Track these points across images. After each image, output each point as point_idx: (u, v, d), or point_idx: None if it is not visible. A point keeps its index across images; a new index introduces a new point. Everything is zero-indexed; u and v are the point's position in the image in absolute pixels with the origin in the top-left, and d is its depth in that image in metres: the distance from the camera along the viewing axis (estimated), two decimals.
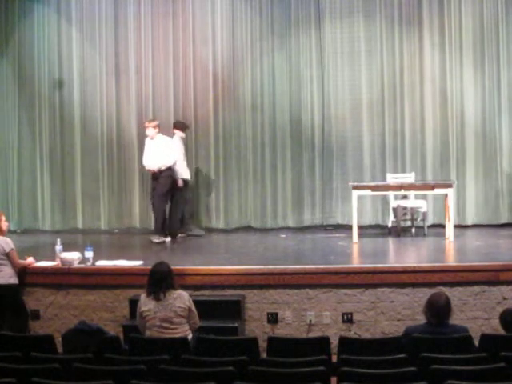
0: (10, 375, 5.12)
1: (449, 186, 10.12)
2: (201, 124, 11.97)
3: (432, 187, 10.25)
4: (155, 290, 6.46)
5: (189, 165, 11.67)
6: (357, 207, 10.06)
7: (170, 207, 10.85)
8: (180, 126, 11.21)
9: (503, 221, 11.43)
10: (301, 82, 11.81)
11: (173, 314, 6.41)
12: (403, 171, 11.43)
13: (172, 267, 6.69)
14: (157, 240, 10.39)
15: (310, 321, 7.97)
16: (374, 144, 11.75)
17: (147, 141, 10.85)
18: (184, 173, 10.96)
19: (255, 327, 7.99)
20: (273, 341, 6.29)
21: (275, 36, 11.85)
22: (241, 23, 11.94)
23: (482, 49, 11.46)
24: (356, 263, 9.09)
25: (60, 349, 6.50)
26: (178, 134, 11.09)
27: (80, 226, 12.16)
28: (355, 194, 10.04)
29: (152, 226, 11.13)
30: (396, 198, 10.90)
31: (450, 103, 11.53)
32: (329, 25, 11.71)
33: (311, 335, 7.78)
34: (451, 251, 9.51)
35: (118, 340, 6.44)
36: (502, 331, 6.14)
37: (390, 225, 10.93)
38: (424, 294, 7.25)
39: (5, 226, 8.18)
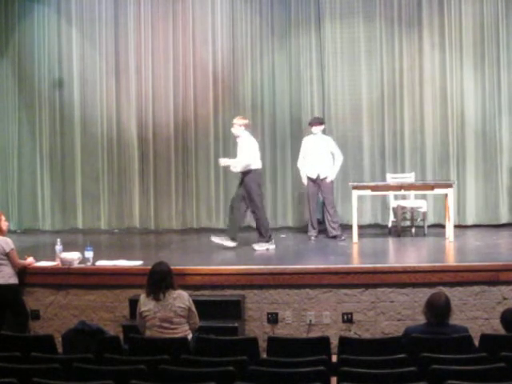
0: (10, 375, 5.11)
1: (449, 185, 10.12)
2: (201, 124, 11.98)
3: (432, 187, 10.25)
4: (155, 290, 6.45)
5: (189, 164, 11.74)
6: (357, 207, 10.07)
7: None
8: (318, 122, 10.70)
9: (503, 221, 11.44)
10: (301, 82, 11.82)
11: (172, 314, 6.41)
12: (403, 171, 11.43)
13: (172, 267, 6.68)
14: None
15: (310, 321, 7.98)
16: (373, 144, 11.76)
17: (249, 138, 9.82)
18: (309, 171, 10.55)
19: (255, 327, 8.00)
20: (273, 341, 6.28)
21: (275, 36, 11.86)
22: (241, 23, 11.95)
23: (482, 49, 11.46)
24: (356, 263, 9.09)
25: (60, 349, 6.51)
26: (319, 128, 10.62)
27: (80, 226, 12.17)
28: (355, 193, 10.04)
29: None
30: (396, 198, 10.90)
31: (450, 103, 11.54)
32: (329, 25, 11.72)
33: (311, 335, 7.78)
34: (451, 251, 9.51)
35: (118, 340, 6.44)
36: (502, 331, 6.13)
37: (389, 225, 10.93)
38: (424, 294, 7.26)
39: (5, 225, 8.18)
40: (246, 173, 9.57)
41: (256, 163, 9.62)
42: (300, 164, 10.65)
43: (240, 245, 9.63)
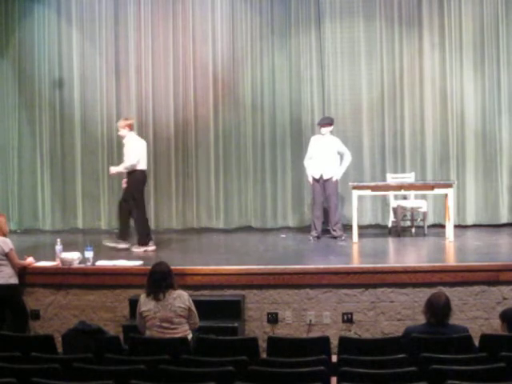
0: (10, 375, 5.11)
1: (449, 186, 10.13)
2: (201, 123, 11.98)
3: (432, 187, 10.25)
4: (155, 290, 6.45)
5: (189, 164, 11.78)
6: (357, 207, 10.07)
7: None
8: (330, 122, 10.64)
9: (503, 221, 11.44)
10: (301, 81, 11.82)
11: (173, 314, 6.40)
12: (403, 171, 11.44)
13: (172, 267, 6.68)
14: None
15: (310, 321, 7.97)
16: (374, 144, 11.76)
17: (134, 139, 9.85)
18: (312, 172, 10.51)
19: (255, 327, 8.00)
20: (273, 341, 6.28)
21: (275, 36, 11.86)
22: (241, 23, 11.95)
23: (482, 49, 11.47)
24: (356, 263, 9.09)
25: (60, 349, 6.50)
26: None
27: (80, 225, 12.16)
28: (355, 193, 10.05)
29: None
30: (396, 198, 10.90)
31: (450, 103, 11.54)
32: (329, 25, 11.72)
33: (311, 335, 7.78)
34: (451, 251, 9.51)
35: (118, 340, 6.45)
36: (501, 331, 6.13)
37: (390, 225, 10.94)
38: (424, 294, 7.26)
39: (5, 226, 8.19)
40: (130, 173, 9.59)
41: (141, 164, 9.63)
42: (306, 163, 10.62)
43: (241, 244, 9.61)
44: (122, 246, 9.59)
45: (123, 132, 9.74)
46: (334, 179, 10.40)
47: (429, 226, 10.91)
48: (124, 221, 9.74)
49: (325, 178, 10.38)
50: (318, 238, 10.39)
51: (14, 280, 8.02)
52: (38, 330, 8.23)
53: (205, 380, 5.01)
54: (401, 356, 5.49)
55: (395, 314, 7.93)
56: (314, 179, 10.43)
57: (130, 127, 9.81)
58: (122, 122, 9.85)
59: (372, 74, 11.71)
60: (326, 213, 10.59)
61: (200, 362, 5.56)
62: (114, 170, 9.79)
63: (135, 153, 9.56)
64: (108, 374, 5.23)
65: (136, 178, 9.58)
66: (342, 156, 10.53)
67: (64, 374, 5.27)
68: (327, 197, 10.44)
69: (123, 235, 9.69)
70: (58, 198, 12.29)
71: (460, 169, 11.56)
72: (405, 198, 11.05)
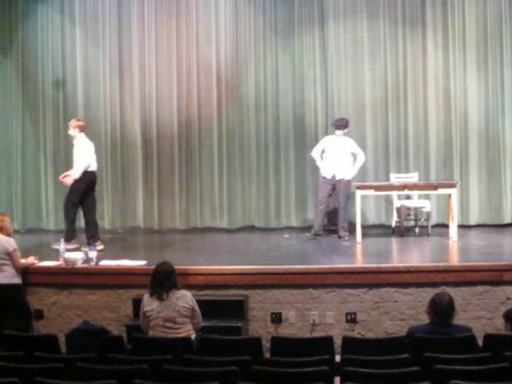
0: (14, 375, 5.12)
1: (452, 185, 10.12)
2: (204, 123, 11.98)
3: (435, 187, 10.24)
4: (158, 289, 6.45)
5: (193, 164, 11.78)
6: (360, 207, 10.07)
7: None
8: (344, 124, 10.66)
9: (507, 221, 11.42)
10: (304, 81, 11.81)
11: (176, 314, 6.41)
12: (407, 171, 11.42)
13: (175, 267, 6.68)
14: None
15: (314, 321, 7.98)
16: (377, 144, 11.74)
17: (84, 140, 9.87)
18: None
19: (259, 327, 8.00)
20: (276, 341, 6.29)
21: (278, 36, 11.85)
22: (244, 23, 11.94)
23: (486, 49, 11.45)
24: (359, 263, 9.10)
25: (63, 348, 6.51)
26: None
27: (83, 225, 12.13)
28: (359, 193, 10.05)
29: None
30: (399, 197, 10.90)
31: (454, 103, 11.53)
32: (332, 25, 11.70)
33: (315, 335, 7.78)
34: (455, 251, 9.51)
35: (122, 340, 6.46)
36: (504, 330, 6.13)
37: (393, 225, 10.93)
38: (427, 294, 7.26)
39: (10, 226, 8.19)
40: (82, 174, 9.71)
41: (92, 166, 9.76)
42: (315, 156, 10.57)
43: (244, 244, 9.58)
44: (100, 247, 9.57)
45: (73, 132, 9.85)
46: (346, 179, 10.40)
47: (432, 226, 10.89)
48: (90, 219, 9.93)
49: (337, 178, 10.40)
50: (316, 237, 10.38)
51: (18, 280, 8.01)
52: (41, 329, 8.24)
53: (208, 380, 5.02)
54: (404, 356, 5.49)
55: (399, 314, 7.92)
56: (326, 179, 10.43)
57: (81, 128, 9.88)
58: (73, 122, 9.94)
59: (375, 73, 11.69)
60: (331, 213, 10.58)
61: (203, 361, 5.56)
62: (70, 181, 9.71)
63: (86, 156, 9.70)
64: (111, 373, 5.23)
65: (85, 179, 9.69)
66: (355, 157, 10.54)
67: (67, 374, 5.28)
68: (337, 196, 10.45)
69: (93, 235, 9.77)
70: (61, 198, 12.19)
71: (463, 168, 11.54)
72: (408, 197, 11.05)
